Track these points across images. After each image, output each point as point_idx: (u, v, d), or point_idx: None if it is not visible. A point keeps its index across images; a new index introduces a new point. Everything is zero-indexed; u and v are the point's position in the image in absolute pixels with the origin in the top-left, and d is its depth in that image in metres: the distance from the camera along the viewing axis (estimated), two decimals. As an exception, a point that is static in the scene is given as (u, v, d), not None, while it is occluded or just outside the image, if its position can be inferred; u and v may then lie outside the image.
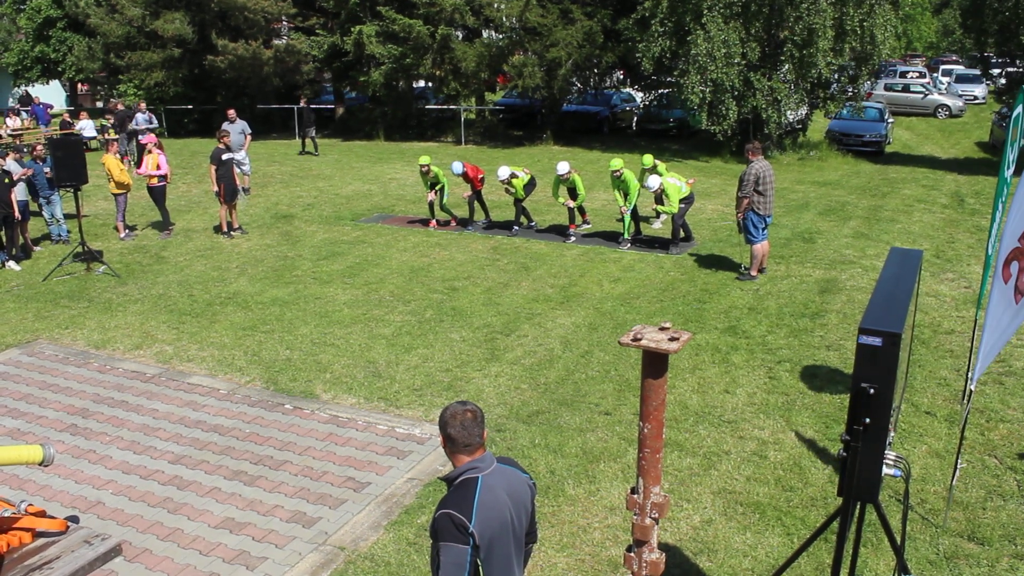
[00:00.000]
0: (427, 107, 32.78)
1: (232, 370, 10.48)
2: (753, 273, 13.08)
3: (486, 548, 3.96)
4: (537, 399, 9.38)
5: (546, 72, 27.44)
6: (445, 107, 32.17)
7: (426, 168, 16.97)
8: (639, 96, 33.42)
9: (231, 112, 21.11)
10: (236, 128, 20.64)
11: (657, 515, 3.97)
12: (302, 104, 29.19)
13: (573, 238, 16.09)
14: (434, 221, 17.37)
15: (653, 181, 14.79)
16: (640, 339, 3.74)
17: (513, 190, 16.48)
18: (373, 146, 29.92)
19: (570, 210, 16.17)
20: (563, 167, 15.83)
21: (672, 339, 3.72)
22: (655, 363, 3.79)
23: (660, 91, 30.77)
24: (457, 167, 16.77)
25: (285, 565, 6.76)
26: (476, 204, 17.30)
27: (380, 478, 7.95)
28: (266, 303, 12.70)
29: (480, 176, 17.20)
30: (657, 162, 15.98)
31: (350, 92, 35.66)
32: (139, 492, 7.93)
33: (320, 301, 12.72)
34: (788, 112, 25.13)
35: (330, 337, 11.31)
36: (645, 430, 3.87)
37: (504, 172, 16.24)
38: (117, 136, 25.63)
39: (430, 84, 32.88)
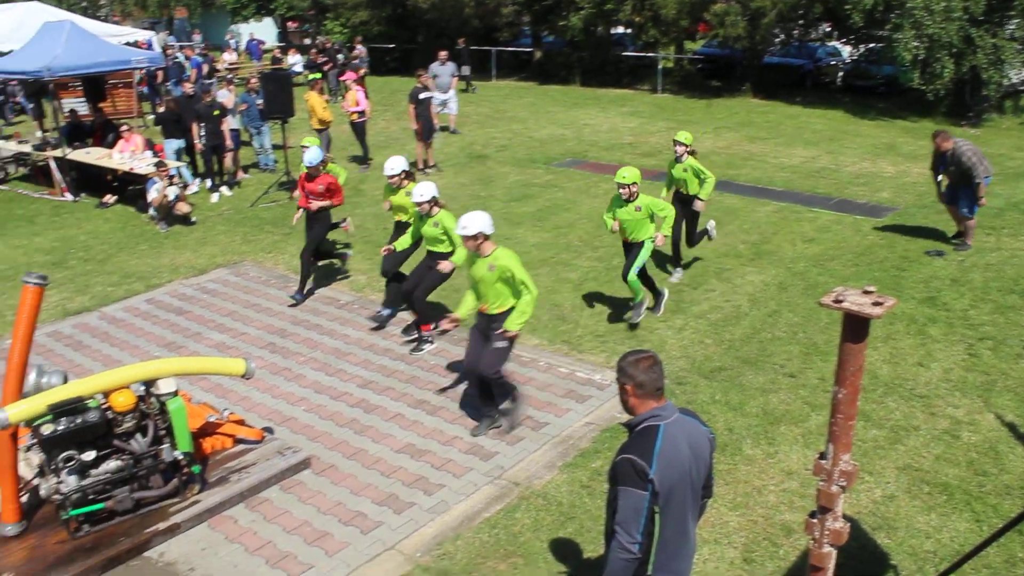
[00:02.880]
0: (624, 54, 32.33)
1: (422, 303, 10.82)
2: (968, 243, 12.29)
3: (664, 496, 3.97)
4: (720, 355, 9.25)
5: (749, 22, 26.51)
6: (643, 54, 31.65)
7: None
8: (846, 50, 31.81)
9: (443, 53, 21.41)
10: (447, 70, 21.00)
11: (845, 483, 3.86)
12: (460, 45, 29.26)
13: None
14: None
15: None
16: (842, 301, 3.62)
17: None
18: (569, 91, 29.86)
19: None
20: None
21: (876, 304, 3.57)
22: (856, 327, 3.66)
23: (869, 46, 29.17)
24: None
25: (461, 494, 6.99)
26: None
27: (558, 419, 8.07)
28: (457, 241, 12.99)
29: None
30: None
31: (548, 36, 35.60)
32: (329, 411, 8.36)
33: (509, 242, 12.84)
34: (1012, 73, 23.34)
35: (516, 278, 11.47)
36: (839, 395, 3.75)
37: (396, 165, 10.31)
38: (326, 72, 26.64)
39: (629, 30, 32.41)
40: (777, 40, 29.83)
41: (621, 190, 9.52)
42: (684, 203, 11.23)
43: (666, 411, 4.11)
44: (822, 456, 3.92)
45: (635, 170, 9.62)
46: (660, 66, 29.79)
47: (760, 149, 19.34)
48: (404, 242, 9.83)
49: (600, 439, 7.69)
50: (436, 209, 9.10)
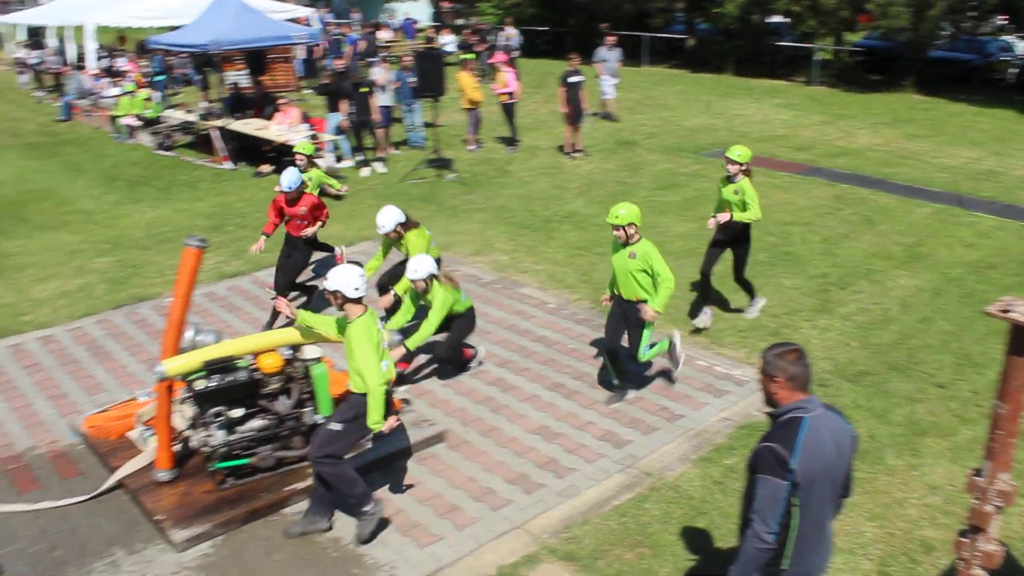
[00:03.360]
0: (780, 44, 31.46)
1: (562, 287, 10.85)
2: None
3: (805, 489, 3.93)
4: (866, 359, 8.95)
5: (914, 13, 25.35)
6: (799, 45, 30.71)
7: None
8: (1021, 45, 30.07)
9: (610, 38, 21.26)
10: (615, 55, 20.93)
11: (1001, 504, 3.69)
12: (603, 29, 28.93)
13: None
14: None
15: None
16: (1010, 311, 3.45)
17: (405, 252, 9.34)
18: (721, 80, 29.30)
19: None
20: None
21: (1048, 317, 3.40)
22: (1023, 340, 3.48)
23: (1050, 41, 27.50)
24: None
25: (591, 480, 6.99)
26: None
27: (694, 412, 7.97)
28: (601, 226, 12.92)
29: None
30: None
31: (702, 23, 34.96)
32: (465, 388, 8.48)
33: (654, 231, 12.74)
34: None
35: (658, 267, 11.36)
36: (1001, 410, 3.58)
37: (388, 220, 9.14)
38: (478, 52, 26.90)
39: (786, 19, 31.48)
40: (944, 33, 28.46)
41: (616, 232, 7.75)
42: (729, 232, 9.53)
43: (811, 404, 4.08)
44: (977, 473, 3.75)
45: (633, 208, 7.72)
46: (817, 57, 28.86)
47: (920, 148, 18.53)
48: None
49: (736, 435, 7.56)
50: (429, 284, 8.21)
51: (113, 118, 21.38)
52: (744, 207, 9.27)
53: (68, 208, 15.20)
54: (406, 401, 8.02)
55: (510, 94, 17.85)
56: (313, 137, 15.63)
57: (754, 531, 3.97)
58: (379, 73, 17.69)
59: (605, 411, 8.00)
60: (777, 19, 32.06)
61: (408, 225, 9.13)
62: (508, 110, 18.16)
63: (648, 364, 8.54)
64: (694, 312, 10.01)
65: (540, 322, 9.93)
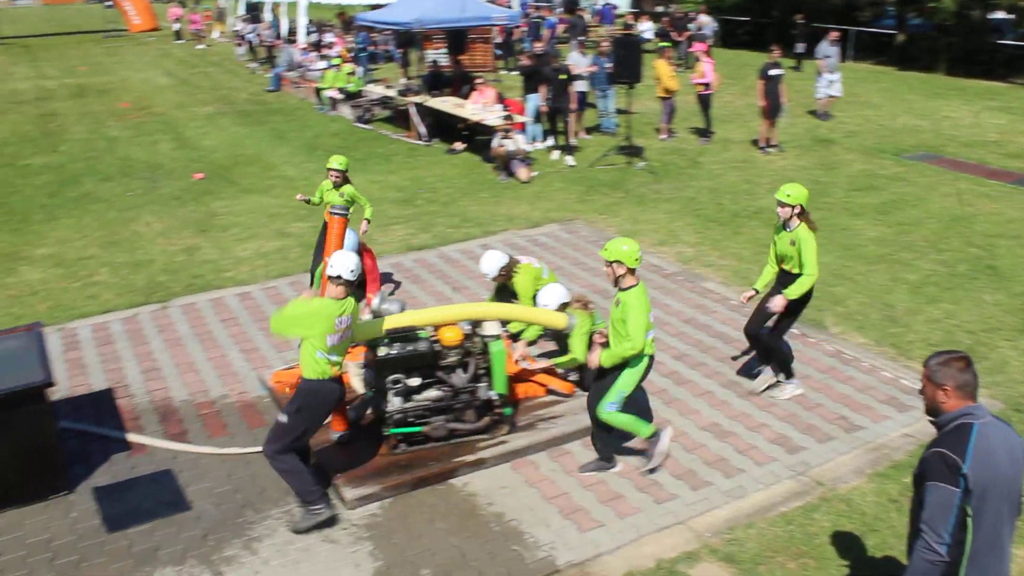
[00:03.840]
0: (1001, 42, 29.47)
1: (747, 284, 10.53)
2: None
3: (978, 497, 3.74)
4: (1073, 386, 8.31)
5: None
6: (1023, 44, 28.74)
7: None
8: None
9: (834, 34, 20.55)
10: (837, 50, 20.25)
11: None
12: (799, 20, 27.85)
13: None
14: None
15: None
16: None
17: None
18: (930, 79, 27.76)
19: None
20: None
21: None
22: None
23: None
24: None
25: (760, 483, 6.80)
26: None
27: (874, 425, 7.62)
28: (789, 224, 12.55)
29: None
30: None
31: (914, 18, 33.20)
32: (640, 378, 8.39)
33: (846, 233, 12.27)
34: None
35: (849, 271, 10.91)
36: None
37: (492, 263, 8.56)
38: (677, 41, 26.57)
39: (1010, 16, 29.46)
40: None
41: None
42: (784, 285, 7.60)
43: (979, 411, 3.90)
44: None
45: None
46: (1044, 58, 26.91)
47: None
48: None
49: (917, 453, 7.14)
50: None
51: (318, 90, 22.36)
52: (800, 263, 7.47)
53: (272, 174, 16.01)
54: (577, 384, 8.02)
55: (707, 84, 17.52)
56: (507, 118, 15.81)
57: (924, 542, 3.80)
58: (576, 58, 17.70)
59: (780, 413, 7.76)
60: (1000, 15, 30.03)
61: (512, 266, 8.45)
62: (704, 101, 17.84)
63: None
64: (748, 370, 8.57)
65: (721, 318, 9.72)
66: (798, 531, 6.26)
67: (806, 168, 15.88)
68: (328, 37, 28.27)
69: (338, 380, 6.23)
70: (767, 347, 7.92)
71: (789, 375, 8.01)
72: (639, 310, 6.39)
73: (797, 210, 7.39)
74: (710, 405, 7.92)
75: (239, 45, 32.83)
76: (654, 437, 6.81)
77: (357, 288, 8.54)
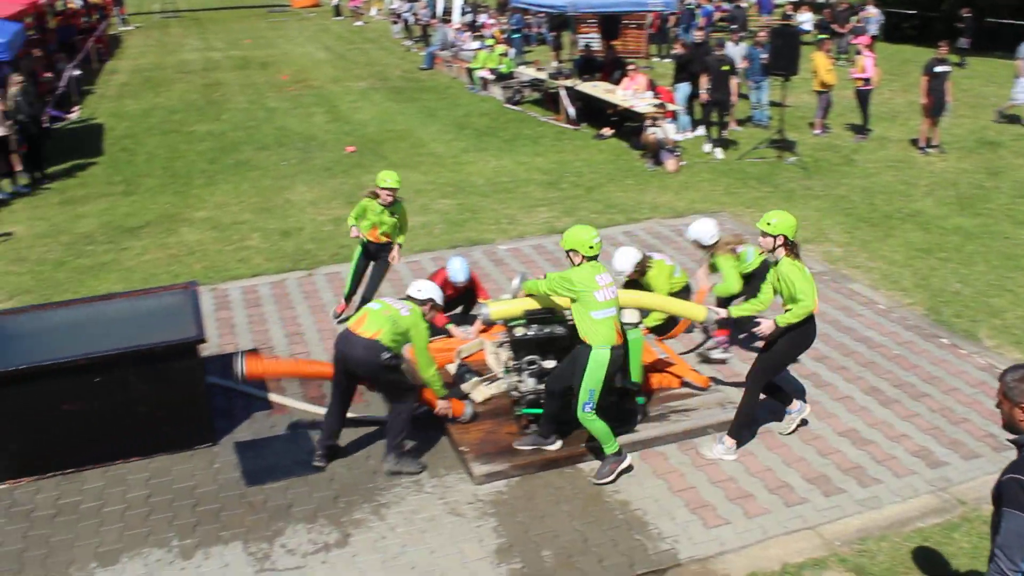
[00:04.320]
0: None
1: (896, 288, 10.22)
2: None
3: None
4: None
5: None
6: None
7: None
8: None
9: None
10: None
11: None
12: (965, 14, 26.27)
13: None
14: None
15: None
16: None
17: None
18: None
19: None
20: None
21: None
22: None
23: None
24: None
25: (897, 496, 6.59)
26: None
27: (1026, 445, 7.25)
28: (948, 229, 12.02)
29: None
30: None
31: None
32: (777, 377, 8.22)
33: (1009, 242, 11.66)
34: None
35: (1010, 282, 10.38)
36: None
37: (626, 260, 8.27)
38: (839, 33, 25.72)
39: None
40: None
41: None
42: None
43: None
44: None
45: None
46: None
47: None
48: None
49: (1074, 479, 6.79)
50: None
51: (470, 70, 22.64)
52: (792, 297, 6.56)
53: (420, 150, 16.33)
54: (715, 380, 7.93)
55: (867, 79, 16.90)
56: (659, 106, 15.66)
57: (998, 567, 3.69)
58: (729, 49, 17.35)
59: (924, 425, 7.47)
60: None
61: (645, 262, 8.17)
62: (862, 96, 17.21)
63: None
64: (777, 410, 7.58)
65: (866, 322, 9.42)
66: (935, 549, 6.03)
67: (968, 171, 15.15)
68: (483, 18, 28.58)
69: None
70: (745, 390, 7.02)
71: (736, 436, 7.04)
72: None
73: (780, 240, 6.60)
74: (848, 410, 7.70)
75: (395, 23, 33.56)
76: (619, 455, 6.63)
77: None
